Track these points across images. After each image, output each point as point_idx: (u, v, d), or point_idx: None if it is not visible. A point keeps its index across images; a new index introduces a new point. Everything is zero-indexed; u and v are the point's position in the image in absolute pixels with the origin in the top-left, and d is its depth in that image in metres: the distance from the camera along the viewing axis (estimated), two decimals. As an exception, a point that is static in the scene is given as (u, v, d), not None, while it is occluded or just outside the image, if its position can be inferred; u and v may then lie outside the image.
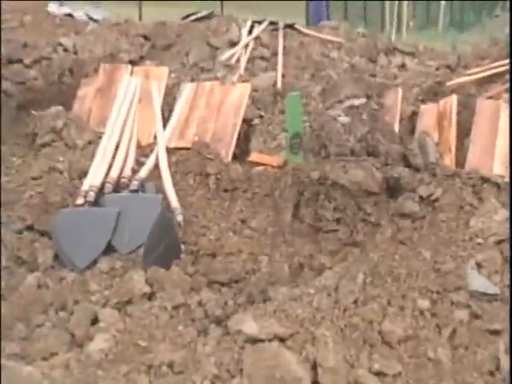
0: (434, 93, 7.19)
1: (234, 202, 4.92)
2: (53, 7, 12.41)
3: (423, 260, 3.97)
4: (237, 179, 5.01)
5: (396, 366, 3.31)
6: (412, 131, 6.20)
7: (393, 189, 4.90)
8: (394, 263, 3.95)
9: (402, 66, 9.64)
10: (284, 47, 9.96)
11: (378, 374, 3.28)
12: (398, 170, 4.94)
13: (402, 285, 3.77)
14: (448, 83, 7.34)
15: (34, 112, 5.71)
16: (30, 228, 4.42)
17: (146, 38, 11.01)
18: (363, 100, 6.29)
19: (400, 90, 7.04)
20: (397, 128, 6.28)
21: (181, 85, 8.06)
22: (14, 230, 4.37)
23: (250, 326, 3.52)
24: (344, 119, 5.55)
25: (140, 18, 18.76)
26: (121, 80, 8.85)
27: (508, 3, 16.22)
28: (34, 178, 4.84)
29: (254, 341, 3.44)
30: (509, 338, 3.48)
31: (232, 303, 3.98)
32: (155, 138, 5.89)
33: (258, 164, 5.40)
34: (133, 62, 10.10)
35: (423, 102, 6.98)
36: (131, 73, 9.07)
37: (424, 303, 3.63)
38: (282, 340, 3.42)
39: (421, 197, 4.68)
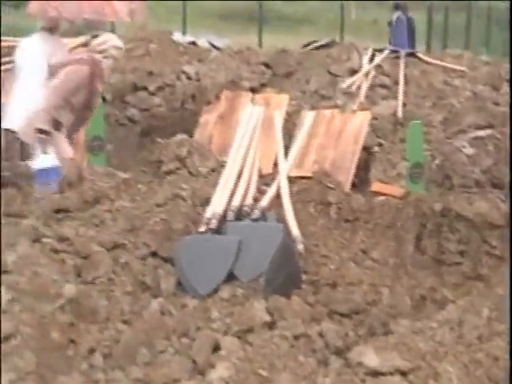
0: (560, 122, 7.02)
1: (355, 232, 4.89)
2: (177, 36, 12.70)
3: (551, 296, 3.86)
4: (358, 209, 4.99)
5: (522, 405, 3.23)
6: (537, 162, 6.06)
7: (518, 222, 4.79)
8: (520, 298, 3.86)
9: (527, 95, 9.44)
10: (405, 75, 9.90)
11: (503, 412, 3.21)
12: (523, 202, 4.84)
13: (529, 321, 3.67)
14: None
15: (159, 140, 5.82)
16: (153, 254, 4.49)
17: (267, 65, 11.13)
18: (489, 131, 6.19)
19: (524, 120, 6.89)
20: (521, 159, 6.15)
21: (301, 112, 8.09)
22: (138, 256, 4.45)
23: (371, 358, 3.48)
24: (469, 150, 5.47)
25: (260, 45, 19.00)
26: (242, 107, 8.95)
27: None
28: (158, 205, 4.92)
29: (375, 373, 3.39)
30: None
31: (353, 334, 3.95)
32: (276, 165, 5.93)
33: (379, 194, 5.36)
34: (254, 89, 10.22)
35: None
36: (252, 100, 9.17)
37: (552, 341, 3.52)
38: (403, 374, 3.37)
39: (547, 230, 4.58)
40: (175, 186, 5.10)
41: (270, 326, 3.94)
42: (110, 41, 6.96)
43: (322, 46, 12.21)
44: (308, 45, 12.93)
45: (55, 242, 4.44)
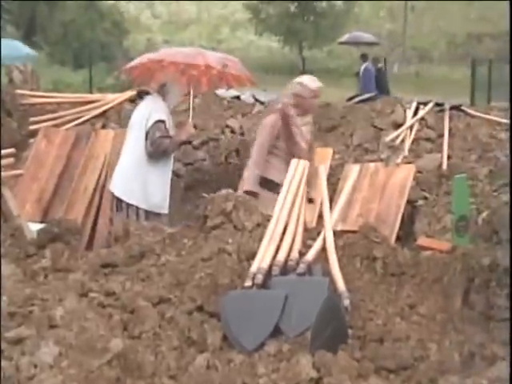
0: None
1: (401, 287, 4.84)
2: (221, 90, 12.82)
3: None
4: (404, 263, 4.94)
5: None
6: None
7: None
8: None
9: None
10: (450, 128, 9.89)
11: None
12: None
13: None
14: None
15: (204, 194, 5.86)
16: (199, 309, 4.49)
17: (311, 119, 11.15)
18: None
19: None
20: None
21: (345, 166, 8.11)
22: (184, 311, 4.45)
23: (420, 416, 3.43)
24: (516, 204, 5.41)
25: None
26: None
27: None
28: (204, 260, 4.93)
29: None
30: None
31: (400, 391, 3.90)
32: (321, 219, 5.93)
33: (425, 248, 5.32)
34: (297, 144, 10.25)
35: None
36: (296, 154, 9.20)
37: None
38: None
39: None
40: (221, 241, 5.12)
41: (317, 381, 3.90)
42: (295, 80, 7.33)
43: (365, 100, 12.27)
44: (351, 98, 13.01)
45: (102, 297, 4.47)
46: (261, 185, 7.06)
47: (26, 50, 10.60)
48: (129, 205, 7.59)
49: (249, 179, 7.01)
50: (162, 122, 7.55)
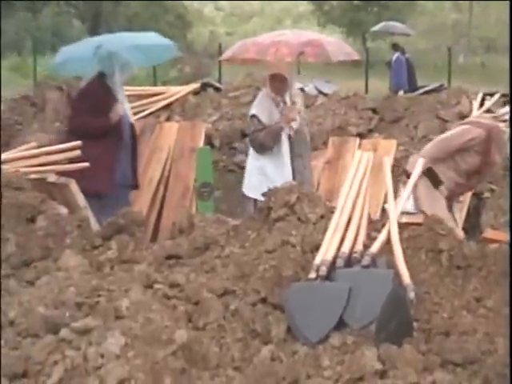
0: None
1: (467, 280, 4.77)
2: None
3: None
4: (471, 256, 4.87)
5: None
6: None
7: None
8: None
9: None
10: (517, 120, 9.72)
11: None
12: None
13: None
14: None
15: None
16: (263, 300, 4.49)
17: (374, 111, 11.13)
18: None
19: None
20: None
21: (409, 158, 8.04)
22: (248, 303, 4.46)
23: (486, 411, 3.38)
24: None
25: (366, 90, 19.00)
26: (349, 153, 8.98)
27: None
28: (267, 252, 4.93)
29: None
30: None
31: (467, 385, 3.85)
32: (385, 211, 5.88)
33: (491, 240, 5.24)
34: (361, 135, 10.24)
35: None
36: (359, 146, 9.18)
37: None
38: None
39: None
40: (284, 233, 5.11)
41: (382, 374, 3.87)
42: None
43: (430, 91, 12.15)
44: (416, 89, 12.89)
45: (167, 288, 4.50)
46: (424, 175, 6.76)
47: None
48: (250, 198, 7.84)
49: (417, 170, 6.53)
50: (254, 116, 7.76)
